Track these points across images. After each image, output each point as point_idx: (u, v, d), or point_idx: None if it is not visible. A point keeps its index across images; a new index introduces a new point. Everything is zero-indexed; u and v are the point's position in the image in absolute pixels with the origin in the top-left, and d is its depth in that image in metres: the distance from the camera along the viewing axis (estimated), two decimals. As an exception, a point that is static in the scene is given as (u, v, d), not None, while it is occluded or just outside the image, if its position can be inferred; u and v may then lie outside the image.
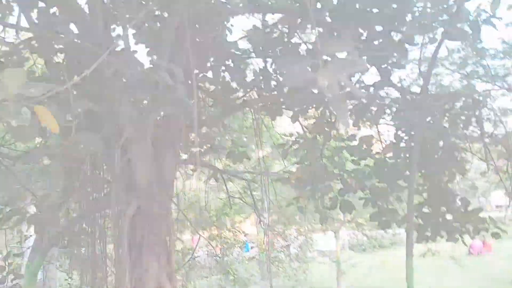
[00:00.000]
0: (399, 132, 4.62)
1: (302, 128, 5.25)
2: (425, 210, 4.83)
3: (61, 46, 2.78)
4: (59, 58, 3.13)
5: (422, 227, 4.82)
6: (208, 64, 3.42)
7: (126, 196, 3.04)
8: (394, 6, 2.68)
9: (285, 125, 6.42)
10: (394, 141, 4.65)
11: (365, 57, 3.15)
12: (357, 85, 3.79)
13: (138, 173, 2.90)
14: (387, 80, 3.36)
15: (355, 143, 4.57)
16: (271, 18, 3.71)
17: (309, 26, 3.00)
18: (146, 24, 3.16)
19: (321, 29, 2.78)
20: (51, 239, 4.48)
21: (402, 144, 4.68)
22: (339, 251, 10.95)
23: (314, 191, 5.34)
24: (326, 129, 4.39)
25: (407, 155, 4.64)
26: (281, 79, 3.86)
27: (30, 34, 3.09)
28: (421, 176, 4.79)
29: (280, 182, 7.64)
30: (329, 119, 4.48)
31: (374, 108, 4.37)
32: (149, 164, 2.90)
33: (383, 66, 3.27)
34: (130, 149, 2.85)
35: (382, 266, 11.40)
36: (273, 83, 4.15)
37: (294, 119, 4.72)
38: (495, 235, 4.47)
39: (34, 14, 2.95)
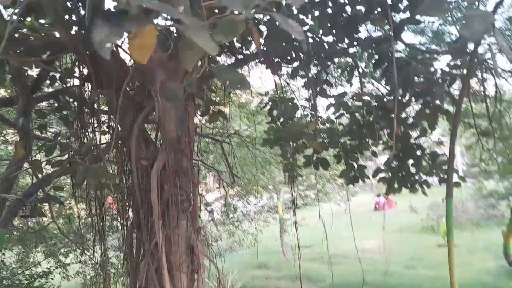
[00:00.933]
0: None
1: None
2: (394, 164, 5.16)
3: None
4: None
5: (391, 180, 5.14)
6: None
7: (149, 149, 2.74)
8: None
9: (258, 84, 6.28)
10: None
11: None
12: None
13: (168, 123, 2.61)
14: (397, 36, 3.43)
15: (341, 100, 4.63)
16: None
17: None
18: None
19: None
20: (12, 208, 3.91)
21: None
22: (281, 210, 11.41)
23: (285, 150, 5.42)
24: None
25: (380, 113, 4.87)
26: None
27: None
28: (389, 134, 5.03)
29: (246, 142, 7.61)
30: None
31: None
32: (179, 113, 2.62)
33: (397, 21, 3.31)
34: (155, 94, 2.53)
35: (303, 222, 12.21)
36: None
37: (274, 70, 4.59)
38: (457, 185, 4.94)
39: None
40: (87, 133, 3.21)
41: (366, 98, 4.71)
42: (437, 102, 4.21)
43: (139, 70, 2.75)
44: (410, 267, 8.89)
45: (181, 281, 2.63)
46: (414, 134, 5.06)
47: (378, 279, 7.67)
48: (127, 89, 2.88)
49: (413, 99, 4.58)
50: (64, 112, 3.72)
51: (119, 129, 2.78)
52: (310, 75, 4.50)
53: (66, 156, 3.27)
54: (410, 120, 4.85)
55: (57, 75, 3.56)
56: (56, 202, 3.98)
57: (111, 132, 2.96)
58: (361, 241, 14.62)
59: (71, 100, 3.68)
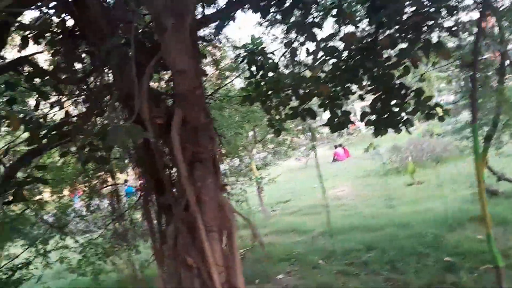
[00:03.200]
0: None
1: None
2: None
3: None
4: None
5: (377, 122, 5.16)
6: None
7: (159, 105, 2.48)
8: None
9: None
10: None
11: None
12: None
13: (180, 75, 2.33)
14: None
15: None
16: None
17: None
18: None
19: None
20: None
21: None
22: (256, 170, 11.38)
23: (269, 104, 5.28)
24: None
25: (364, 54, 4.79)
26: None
27: None
28: (372, 76, 4.97)
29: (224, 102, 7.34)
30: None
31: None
32: (191, 62, 2.35)
33: None
34: (167, 41, 2.24)
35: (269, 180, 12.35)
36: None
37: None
38: (441, 119, 5.04)
39: None
40: (77, 99, 2.86)
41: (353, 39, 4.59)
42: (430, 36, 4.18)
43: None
44: (390, 206, 9.29)
45: (216, 242, 2.47)
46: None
47: (364, 222, 7.92)
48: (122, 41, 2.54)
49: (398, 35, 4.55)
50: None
51: (121, 86, 2.47)
52: (297, 18, 4.29)
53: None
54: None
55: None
56: (42, 183, 3.60)
57: (111, 90, 2.62)
58: (331, 190, 15.16)
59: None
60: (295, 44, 4.87)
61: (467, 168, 11.38)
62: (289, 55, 4.28)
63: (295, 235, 8.28)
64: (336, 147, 23.31)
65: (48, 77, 3.25)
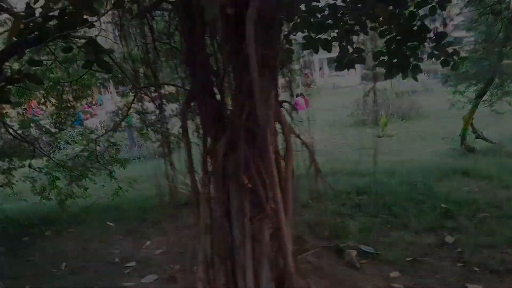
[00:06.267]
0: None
1: None
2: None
3: None
4: None
5: (390, 64, 4.93)
6: None
7: None
8: None
9: None
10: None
11: None
12: None
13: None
14: None
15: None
16: None
17: None
18: None
19: None
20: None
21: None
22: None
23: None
24: None
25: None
26: None
27: None
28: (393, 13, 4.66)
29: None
30: None
31: None
32: None
33: None
34: None
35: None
36: None
37: None
38: (455, 67, 4.89)
39: None
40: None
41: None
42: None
43: None
44: (368, 155, 9.33)
45: (274, 163, 2.17)
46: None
47: (348, 167, 7.90)
48: None
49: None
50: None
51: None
52: None
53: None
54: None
55: None
56: (35, 82, 3.01)
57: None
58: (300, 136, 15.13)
59: None
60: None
61: (433, 126, 11.78)
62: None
63: (276, 175, 8.14)
64: (297, 96, 23.44)
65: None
